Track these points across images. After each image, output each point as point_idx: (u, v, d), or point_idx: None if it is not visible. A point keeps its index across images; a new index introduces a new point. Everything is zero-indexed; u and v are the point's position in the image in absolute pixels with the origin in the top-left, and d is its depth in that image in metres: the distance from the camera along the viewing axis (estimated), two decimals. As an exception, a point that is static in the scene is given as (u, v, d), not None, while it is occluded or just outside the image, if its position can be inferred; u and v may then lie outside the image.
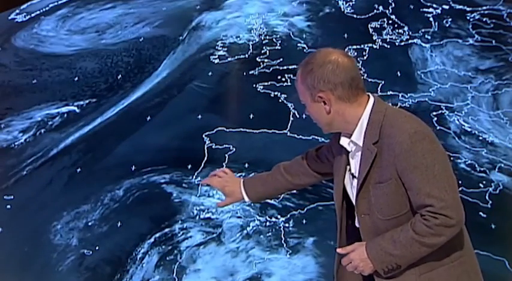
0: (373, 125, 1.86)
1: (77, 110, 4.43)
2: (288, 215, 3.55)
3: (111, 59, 4.84)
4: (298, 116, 4.10)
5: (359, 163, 1.90)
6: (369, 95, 1.92)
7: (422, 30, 4.79)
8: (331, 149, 2.10)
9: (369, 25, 4.84)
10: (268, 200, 3.62)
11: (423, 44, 4.65)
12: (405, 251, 1.79)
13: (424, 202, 1.75)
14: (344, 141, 1.95)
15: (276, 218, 3.55)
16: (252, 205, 3.62)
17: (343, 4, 5.08)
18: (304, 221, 3.53)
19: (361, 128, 1.89)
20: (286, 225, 3.51)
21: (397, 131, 1.79)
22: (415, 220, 1.79)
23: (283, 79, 4.39)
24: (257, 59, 4.60)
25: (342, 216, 2.04)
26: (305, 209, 3.56)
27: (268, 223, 3.54)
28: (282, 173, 2.26)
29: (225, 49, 4.74)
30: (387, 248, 1.81)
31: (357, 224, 1.99)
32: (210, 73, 4.54)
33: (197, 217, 3.62)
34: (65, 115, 4.42)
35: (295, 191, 3.60)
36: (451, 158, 3.69)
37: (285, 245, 3.43)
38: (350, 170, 1.97)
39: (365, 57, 4.54)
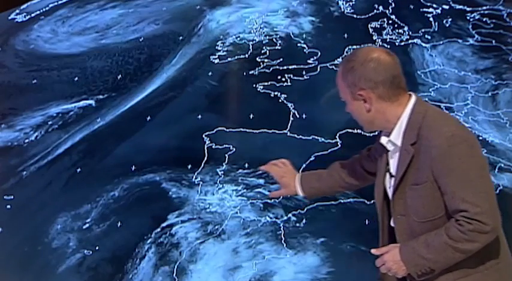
0: (412, 125, 1.84)
1: (78, 111, 4.43)
2: (288, 215, 3.55)
3: (111, 60, 4.84)
4: (298, 116, 4.10)
5: (397, 162, 1.89)
6: (410, 95, 1.90)
7: (422, 30, 4.78)
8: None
9: (369, 25, 4.84)
10: (268, 200, 3.62)
11: (423, 44, 4.65)
12: (438, 256, 1.77)
13: (459, 206, 1.73)
14: (384, 140, 1.93)
15: (276, 218, 3.55)
16: (252, 204, 3.62)
17: (343, 4, 5.07)
18: (304, 221, 3.53)
19: (400, 127, 1.87)
20: (286, 225, 3.51)
21: (435, 134, 1.77)
22: (449, 225, 1.76)
23: (283, 79, 4.39)
24: (257, 59, 4.60)
25: (383, 216, 2.02)
26: (305, 209, 3.56)
27: (268, 223, 3.54)
28: (338, 170, 2.25)
29: (225, 49, 4.74)
30: (420, 252, 1.79)
31: (392, 224, 1.98)
32: (210, 73, 4.54)
33: (197, 217, 3.62)
34: (66, 116, 4.42)
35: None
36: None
37: (285, 245, 3.43)
38: (389, 169, 1.96)
39: (365, 57, 4.54)
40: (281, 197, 2.73)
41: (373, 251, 1.94)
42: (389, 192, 1.94)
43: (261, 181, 3.73)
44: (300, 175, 2.27)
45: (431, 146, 1.77)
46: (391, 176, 1.94)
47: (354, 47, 4.58)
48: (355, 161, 2.24)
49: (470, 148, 1.77)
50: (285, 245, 3.43)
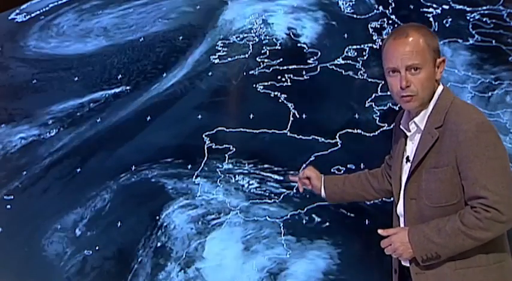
0: (438, 110, 1.86)
1: (79, 111, 4.43)
2: (288, 215, 3.55)
3: (113, 61, 4.84)
4: (298, 116, 4.10)
5: (416, 146, 1.91)
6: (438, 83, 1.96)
7: (422, 30, 4.78)
8: None
9: (369, 25, 4.84)
10: (268, 200, 3.62)
11: (423, 44, 4.64)
12: (448, 241, 1.77)
13: (479, 193, 1.74)
14: (404, 123, 1.97)
15: (276, 218, 3.55)
16: (252, 204, 3.62)
17: (343, 4, 5.07)
18: (304, 222, 3.53)
19: (426, 111, 1.90)
20: (286, 225, 3.51)
21: (464, 119, 1.79)
22: (464, 211, 1.77)
23: (283, 79, 4.39)
24: (257, 59, 4.60)
25: (397, 202, 2.02)
26: (305, 209, 3.56)
27: (268, 223, 3.54)
28: (365, 175, 2.27)
29: (225, 49, 4.73)
30: (430, 236, 1.80)
31: (398, 210, 1.98)
32: (210, 73, 4.54)
33: (197, 217, 3.63)
34: (68, 116, 4.43)
35: (295, 191, 3.61)
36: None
37: (284, 245, 3.43)
38: (404, 154, 1.97)
39: (365, 57, 4.54)
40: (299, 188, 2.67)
41: (380, 231, 1.94)
42: (404, 177, 1.95)
43: (261, 181, 3.73)
44: (325, 176, 2.32)
45: (459, 130, 1.78)
46: (407, 160, 1.94)
47: (354, 47, 4.58)
48: (381, 168, 2.26)
49: (496, 138, 1.80)
50: (284, 245, 3.43)
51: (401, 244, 1.85)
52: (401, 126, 1.97)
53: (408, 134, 1.95)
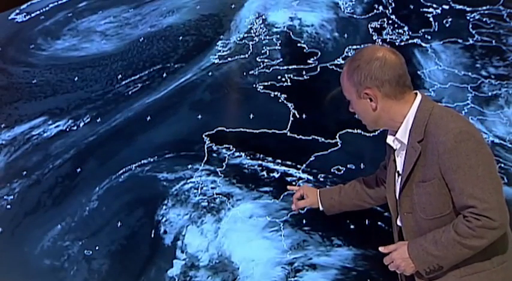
0: (418, 123, 1.85)
1: (79, 114, 4.43)
2: (288, 215, 3.55)
3: (112, 64, 4.84)
4: (298, 116, 4.10)
5: (403, 160, 1.90)
6: (416, 93, 1.91)
7: (422, 30, 4.78)
8: None
9: (369, 25, 4.84)
10: (268, 200, 3.62)
11: (423, 44, 4.65)
12: (446, 253, 1.78)
13: (467, 202, 1.73)
14: (390, 139, 1.96)
15: (276, 218, 3.55)
16: (252, 205, 3.62)
17: (343, 4, 5.07)
18: (304, 221, 3.53)
19: (406, 125, 1.88)
20: (286, 225, 3.51)
21: (442, 131, 1.78)
22: (457, 221, 1.77)
23: (283, 79, 4.39)
24: (257, 59, 4.60)
25: (394, 215, 2.03)
26: (305, 209, 3.55)
27: (268, 223, 3.54)
28: (360, 184, 2.27)
29: (225, 49, 4.73)
30: (429, 249, 1.80)
31: (398, 223, 1.98)
32: (210, 73, 4.54)
33: (197, 217, 3.63)
34: (68, 117, 4.43)
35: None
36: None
37: (284, 245, 3.43)
38: (396, 167, 1.97)
39: (365, 57, 4.53)
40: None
41: (380, 249, 1.94)
42: (397, 190, 1.94)
43: (261, 182, 3.73)
44: (320, 190, 2.33)
45: (438, 143, 1.77)
46: (399, 174, 1.94)
47: (354, 47, 4.58)
48: (376, 174, 2.25)
49: (477, 144, 1.77)
50: (284, 245, 3.43)
51: (403, 260, 1.85)
52: (387, 141, 1.96)
53: (395, 147, 1.94)
